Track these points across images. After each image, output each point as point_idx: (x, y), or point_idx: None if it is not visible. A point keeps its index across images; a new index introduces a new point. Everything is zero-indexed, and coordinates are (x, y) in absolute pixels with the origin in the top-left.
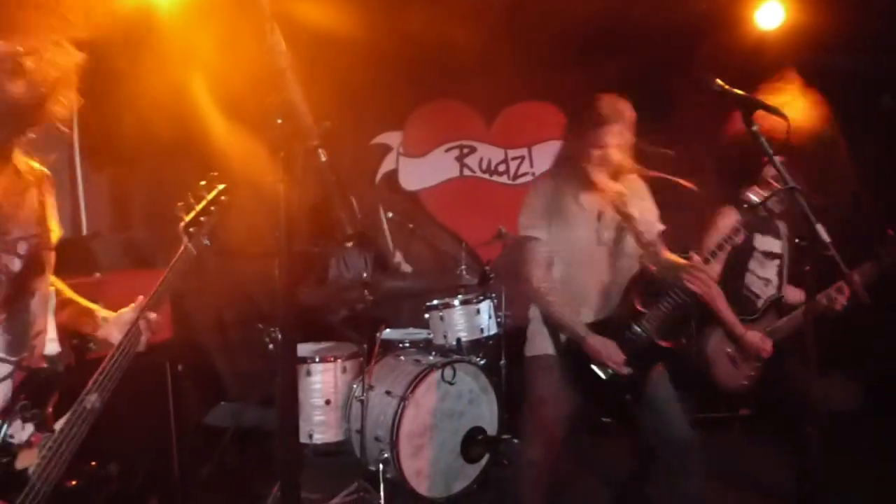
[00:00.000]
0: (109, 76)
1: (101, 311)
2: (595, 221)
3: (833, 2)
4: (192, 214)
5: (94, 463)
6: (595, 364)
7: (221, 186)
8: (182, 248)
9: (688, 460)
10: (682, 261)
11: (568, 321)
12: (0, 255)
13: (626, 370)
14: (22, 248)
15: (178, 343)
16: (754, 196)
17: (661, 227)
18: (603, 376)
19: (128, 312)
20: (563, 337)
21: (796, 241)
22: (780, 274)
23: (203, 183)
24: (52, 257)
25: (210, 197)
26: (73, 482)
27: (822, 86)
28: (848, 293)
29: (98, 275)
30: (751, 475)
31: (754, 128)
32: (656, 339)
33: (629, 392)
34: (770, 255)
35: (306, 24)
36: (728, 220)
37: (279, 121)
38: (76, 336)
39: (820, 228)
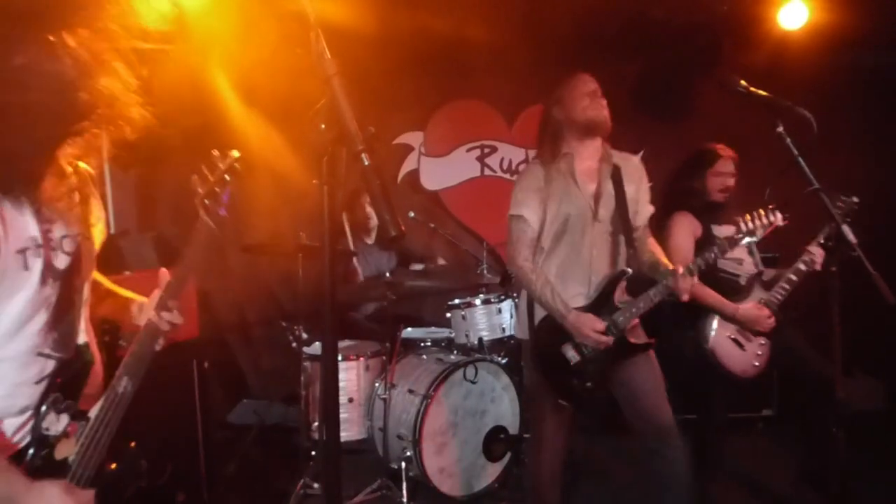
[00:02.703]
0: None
1: (137, 298)
2: (590, 198)
3: (856, 0)
4: (207, 186)
5: (132, 444)
6: (566, 347)
7: (235, 154)
8: (199, 221)
9: (667, 446)
10: (665, 261)
11: (549, 299)
12: (48, 253)
13: (607, 340)
14: (68, 245)
15: (204, 341)
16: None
17: (650, 209)
18: (571, 362)
19: (156, 294)
20: (537, 318)
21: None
22: (750, 253)
23: (216, 153)
24: (94, 255)
25: (224, 166)
26: (114, 465)
27: (846, 85)
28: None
29: (127, 272)
30: (773, 475)
31: (779, 129)
32: (627, 336)
33: (591, 380)
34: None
35: (327, 25)
36: (680, 226)
37: (322, 126)
38: (108, 333)
39: (846, 229)
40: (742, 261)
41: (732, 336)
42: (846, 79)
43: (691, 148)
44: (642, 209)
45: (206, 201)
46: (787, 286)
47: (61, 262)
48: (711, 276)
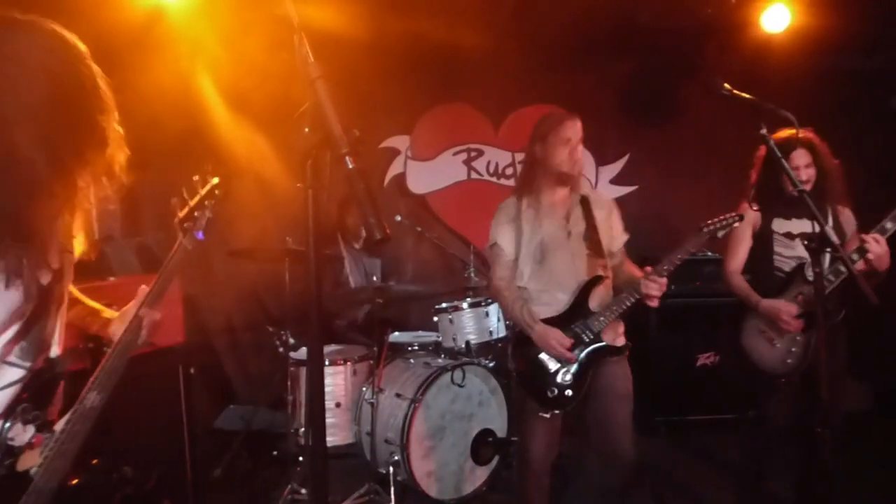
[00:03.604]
0: (118, 81)
1: (106, 312)
2: (561, 219)
3: (839, 4)
4: (186, 209)
5: (95, 461)
6: (544, 355)
7: (215, 181)
8: (177, 243)
9: (615, 471)
10: (637, 273)
11: (518, 314)
12: (34, 269)
13: (571, 355)
14: (55, 261)
15: (190, 346)
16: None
17: (624, 237)
18: (552, 368)
19: (130, 308)
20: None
21: (804, 243)
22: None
23: (196, 178)
24: (73, 266)
25: (203, 192)
26: (76, 481)
27: (828, 88)
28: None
29: (111, 278)
30: (759, 476)
31: (762, 131)
32: (602, 339)
33: (571, 388)
34: (793, 237)
35: (315, 29)
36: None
37: (306, 129)
38: (92, 339)
39: (829, 230)
40: (802, 259)
41: (763, 330)
42: (828, 81)
43: (676, 151)
44: (616, 236)
45: (185, 224)
46: (832, 278)
47: (45, 278)
48: (764, 273)
